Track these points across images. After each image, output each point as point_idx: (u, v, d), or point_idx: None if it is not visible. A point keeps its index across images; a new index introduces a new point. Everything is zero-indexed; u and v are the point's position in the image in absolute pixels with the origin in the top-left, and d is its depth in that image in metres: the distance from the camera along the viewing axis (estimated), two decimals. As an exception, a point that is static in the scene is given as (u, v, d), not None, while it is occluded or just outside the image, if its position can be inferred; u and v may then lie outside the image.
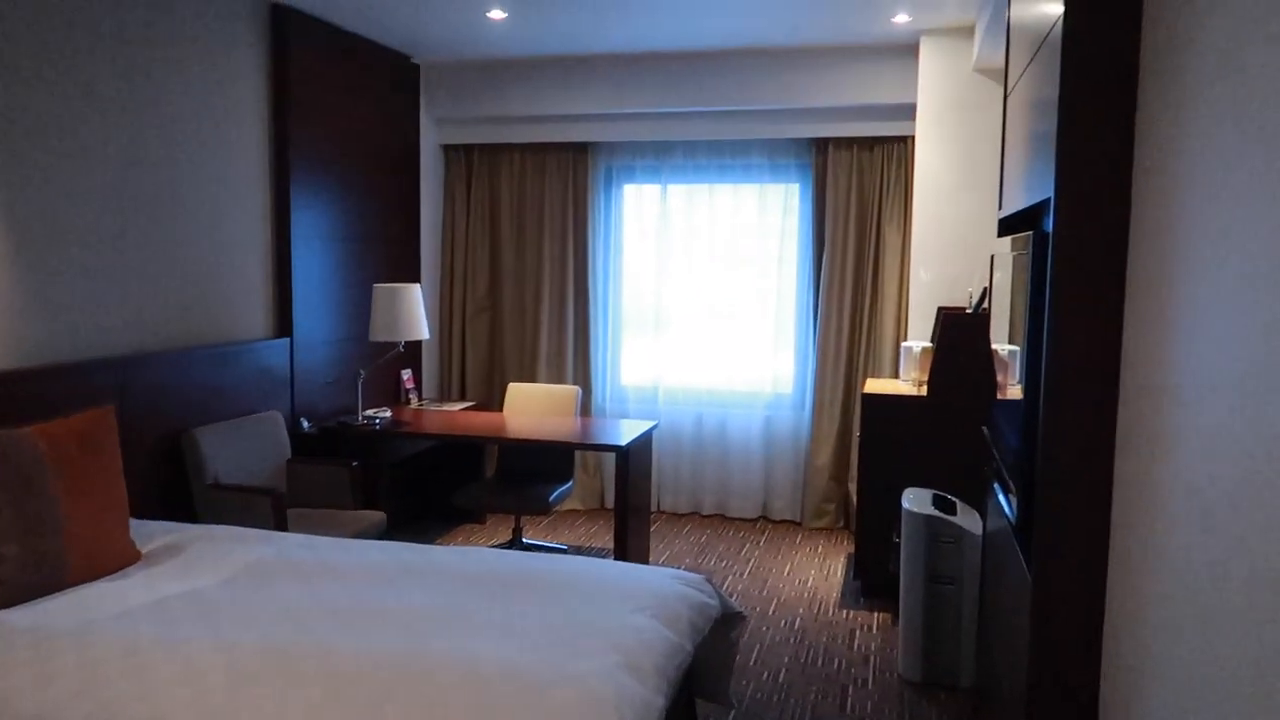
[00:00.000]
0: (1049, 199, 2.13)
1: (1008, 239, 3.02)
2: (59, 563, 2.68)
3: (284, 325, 4.63)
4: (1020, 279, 2.51)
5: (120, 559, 2.89)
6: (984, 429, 3.30)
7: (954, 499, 3.81)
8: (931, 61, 4.96)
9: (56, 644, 2.29)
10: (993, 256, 3.35)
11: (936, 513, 3.63)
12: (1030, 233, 2.34)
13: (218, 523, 3.57)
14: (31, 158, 3.30)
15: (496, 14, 4.71)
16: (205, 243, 4.13)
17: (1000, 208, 3.27)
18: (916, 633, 3.59)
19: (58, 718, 2.07)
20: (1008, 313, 2.94)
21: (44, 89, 3.33)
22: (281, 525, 3.64)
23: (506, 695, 2.08)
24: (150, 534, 3.14)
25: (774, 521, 5.81)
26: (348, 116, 5.06)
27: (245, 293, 4.40)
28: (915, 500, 3.74)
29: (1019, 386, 2.75)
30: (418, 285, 4.74)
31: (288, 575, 2.81)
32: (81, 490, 2.81)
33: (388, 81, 5.47)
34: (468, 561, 2.95)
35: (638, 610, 2.60)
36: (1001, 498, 2.58)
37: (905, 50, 5.17)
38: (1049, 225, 2.13)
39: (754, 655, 3.78)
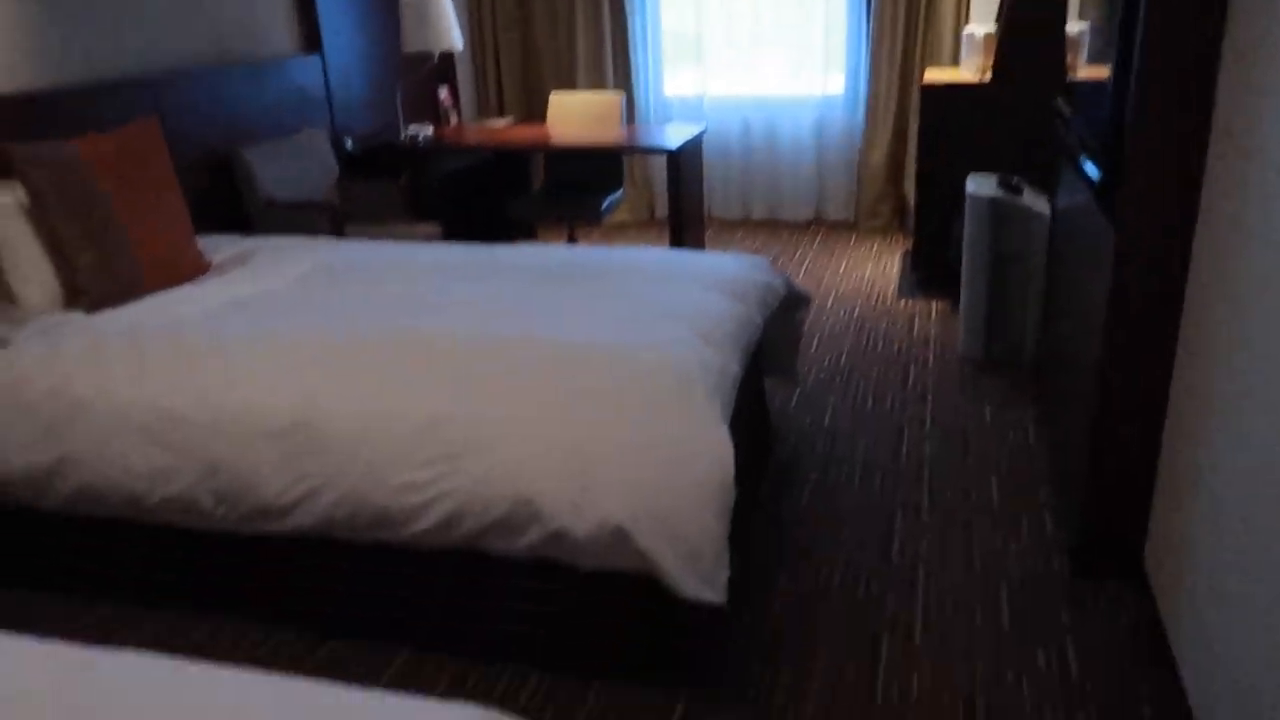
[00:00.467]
0: None
1: None
2: (133, 269, 2.72)
3: (312, 40, 4.42)
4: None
5: (192, 268, 2.93)
6: (1058, 101, 3.12)
7: (1019, 180, 3.69)
8: None
9: (149, 342, 2.37)
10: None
11: (1002, 193, 3.53)
12: None
13: (277, 240, 3.59)
14: None
15: None
16: (218, -52, 3.87)
17: None
18: (978, 313, 3.60)
19: (157, 404, 2.18)
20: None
21: None
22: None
23: (591, 359, 2.13)
24: (216, 246, 3.17)
25: (828, 224, 5.75)
26: None
27: (268, 7, 4.17)
28: (979, 184, 3.63)
29: (1090, 67, 2.56)
30: (446, -11, 4.45)
31: (358, 274, 2.84)
32: (140, 200, 2.81)
33: None
34: (535, 257, 2.95)
35: (707, 290, 2.61)
36: (1084, 162, 2.47)
37: None
38: None
39: (815, 343, 3.85)
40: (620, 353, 2.16)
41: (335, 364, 2.20)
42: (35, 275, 2.62)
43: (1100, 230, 2.25)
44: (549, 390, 2.06)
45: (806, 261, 5.02)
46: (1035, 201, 3.52)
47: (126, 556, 2.33)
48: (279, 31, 4.25)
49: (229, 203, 3.83)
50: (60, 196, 2.60)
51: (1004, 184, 3.62)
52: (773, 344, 3.00)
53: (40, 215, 2.61)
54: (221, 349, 2.30)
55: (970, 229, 3.58)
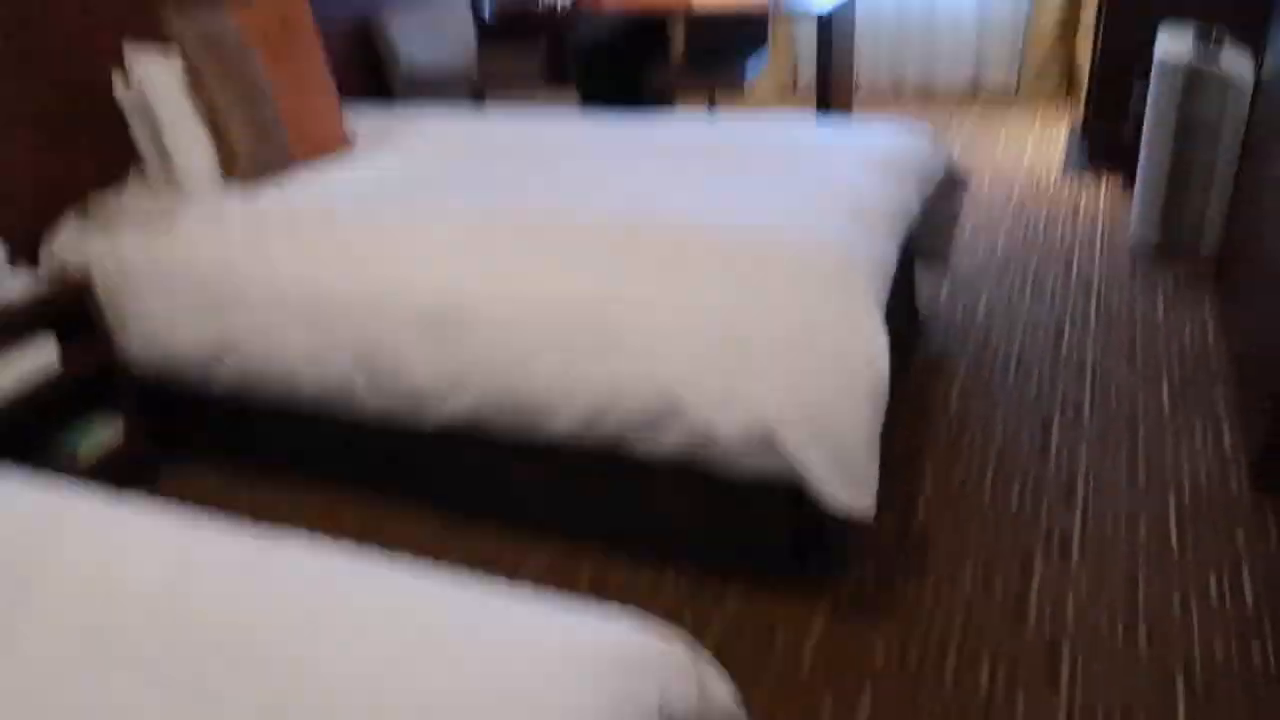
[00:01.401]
0: None
1: None
2: (283, 141, 2.74)
3: (450, -102, 4.26)
4: None
5: (336, 141, 2.94)
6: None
7: (1220, 35, 3.27)
8: None
9: (305, 220, 2.39)
10: None
11: (1195, 61, 3.14)
12: None
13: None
14: None
15: None
16: None
17: None
18: (1155, 194, 3.28)
19: (314, 285, 2.22)
20: None
21: None
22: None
23: (741, 244, 2.04)
24: (359, 116, 3.16)
25: (986, 93, 5.33)
26: None
27: None
28: (1172, 39, 3.23)
29: None
30: None
31: (500, 148, 2.79)
32: (288, 70, 2.80)
33: None
34: (679, 130, 2.82)
35: (861, 167, 2.45)
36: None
37: None
38: None
39: (969, 229, 3.62)
40: (771, 237, 2.05)
41: (481, 246, 2.18)
42: (193, 147, 2.67)
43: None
44: (696, 277, 1.99)
45: (963, 136, 4.68)
46: (1236, 63, 3.13)
47: (287, 444, 2.44)
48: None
49: (370, 71, 3.81)
50: (216, 66, 2.62)
51: (1202, 36, 3.22)
52: (926, 227, 2.82)
53: (197, 86, 2.64)
54: (374, 229, 2.31)
55: (1156, 96, 3.22)
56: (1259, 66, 2.95)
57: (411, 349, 2.11)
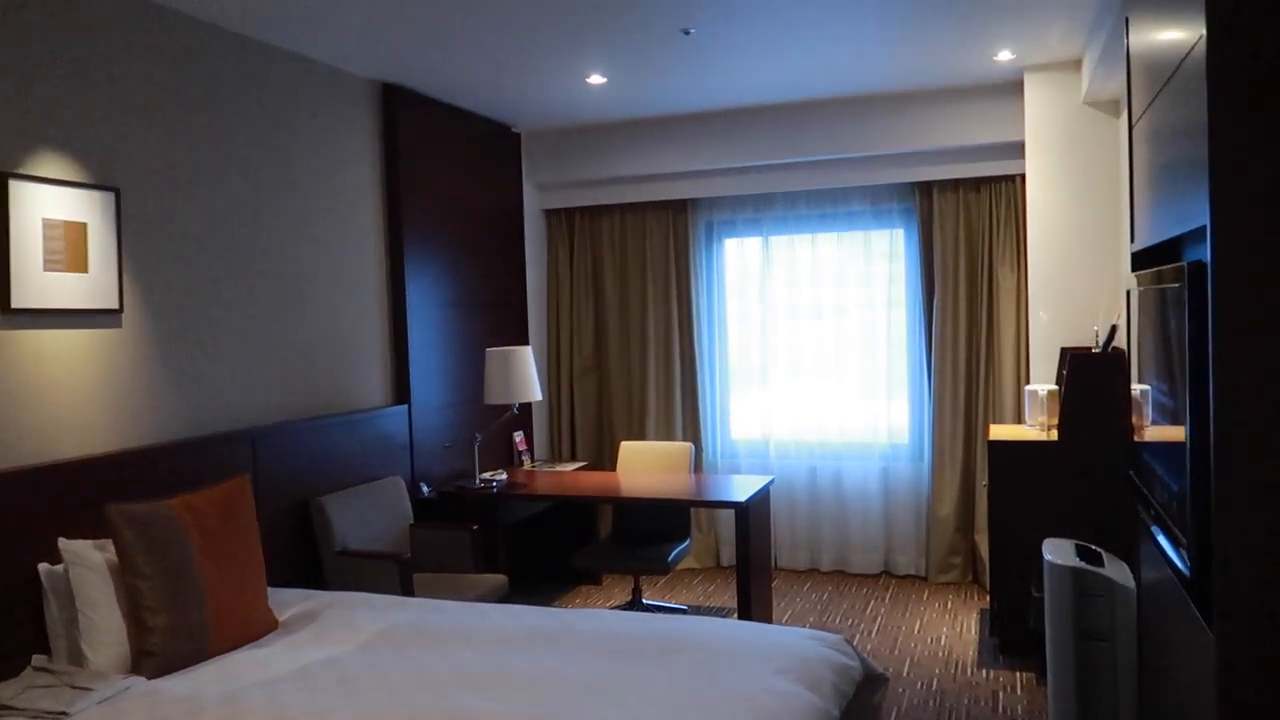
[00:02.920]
0: (1203, 227, 2.02)
1: (1137, 273, 2.88)
2: (204, 632, 2.73)
3: (402, 392, 4.72)
4: (1153, 313, 2.37)
5: (260, 626, 2.93)
6: (1131, 474, 3.11)
7: (1099, 549, 3.60)
8: (1037, 98, 4.83)
9: (207, 714, 2.32)
10: (1129, 292, 3.20)
11: (1082, 564, 3.42)
12: (1183, 264, 2.22)
13: (346, 588, 3.61)
14: (169, 248, 3.47)
15: (596, 79, 4.79)
16: (328, 316, 4.26)
17: (1132, 241, 3.13)
18: (1068, 694, 3.36)
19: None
20: (1135, 350, 2.78)
21: (184, 192, 3.51)
22: (408, 590, 3.66)
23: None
24: (285, 601, 3.19)
25: (897, 576, 5.60)
26: (454, 188, 5.20)
27: (365, 363, 4.51)
28: (1057, 552, 3.54)
29: (1157, 427, 2.58)
30: (528, 348, 4.78)
31: (422, 641, 2.81)
32: (222, 559, 2.87)
33: (491, 151, 5.61)
34: (598, 625, 2.90)
35: (779, 674, 2.50)
36: (1168, 548, 2.41)
37: (1009, 88, 5.06)
38: (1205, 254, 2.02)
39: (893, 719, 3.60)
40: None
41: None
42: (107, 638, 2.63)
43: (1196, 631, 2.14)
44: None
45: (879, 619, 4.84)
46: (1117, 572, 3.40)
47: None
48: (372, 386, 4.56)
49: (304, 549, 3.90)
50: (148, 558, 2.68)
51: (1081, 553, 3.52)
52: (849, 731, 2.81)
53: (126, 576, 2.67)
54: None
55: (1051, 601, 3.44)
56: (1137, 578, 3.21)
57: None
